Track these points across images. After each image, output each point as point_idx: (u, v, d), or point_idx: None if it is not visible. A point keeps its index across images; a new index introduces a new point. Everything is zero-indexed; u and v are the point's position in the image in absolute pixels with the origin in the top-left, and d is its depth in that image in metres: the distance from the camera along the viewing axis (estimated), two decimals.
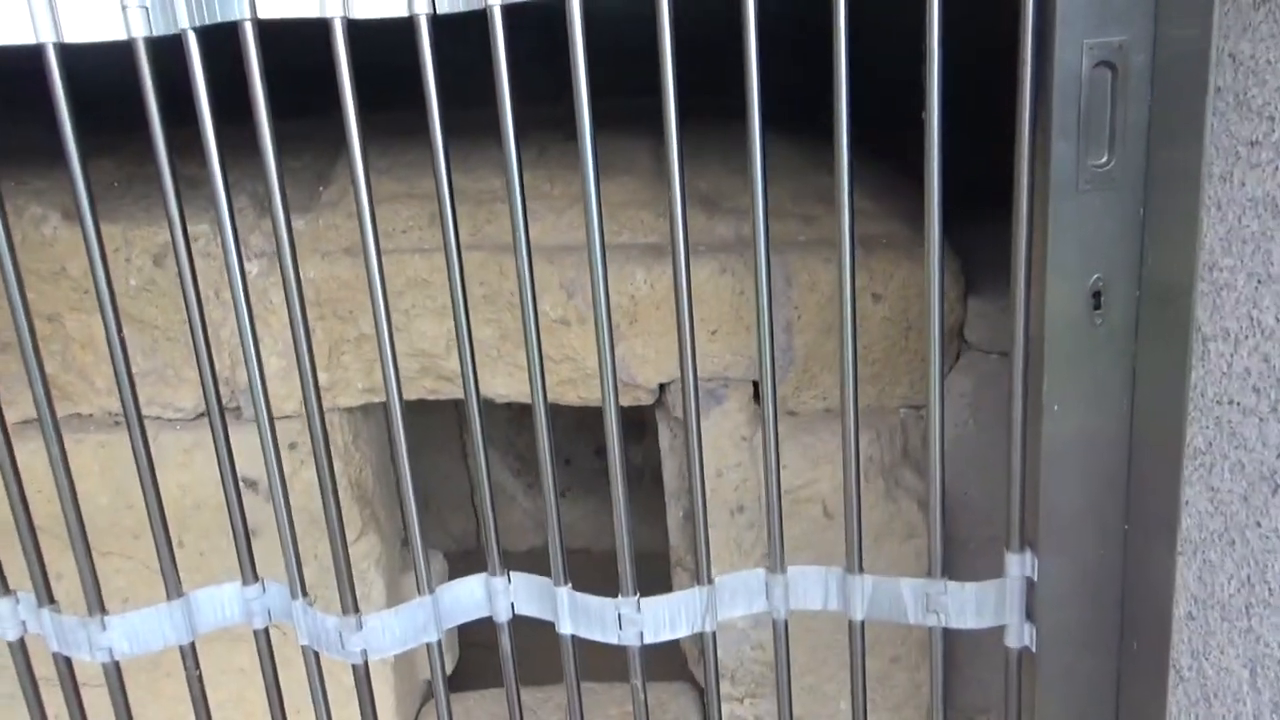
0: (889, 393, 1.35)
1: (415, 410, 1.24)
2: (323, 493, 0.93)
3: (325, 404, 1.43)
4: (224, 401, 1.39)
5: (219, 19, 0.78)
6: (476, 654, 1.63)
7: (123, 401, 0.94)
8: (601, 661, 1.14)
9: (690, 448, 0.92)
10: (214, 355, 1.41)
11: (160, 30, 0.79)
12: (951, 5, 0.76)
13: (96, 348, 1.45)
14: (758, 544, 1.41)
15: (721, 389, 1.34)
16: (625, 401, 1.38)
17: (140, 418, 0.95)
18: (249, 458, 1.06)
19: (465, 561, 1.32)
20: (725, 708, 1.50)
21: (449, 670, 1.72)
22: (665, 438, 1.47)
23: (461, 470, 2.29)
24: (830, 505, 1.33)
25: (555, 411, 1.51)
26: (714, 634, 0.96)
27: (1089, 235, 0.79)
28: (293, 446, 1.45)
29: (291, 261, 0.87)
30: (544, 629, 0.97)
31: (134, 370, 1.49)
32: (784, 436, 1.36)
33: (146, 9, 0.78)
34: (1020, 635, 0.91)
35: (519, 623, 0.98)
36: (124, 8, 0.78)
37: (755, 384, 1.34)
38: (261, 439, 0.94)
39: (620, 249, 1.33)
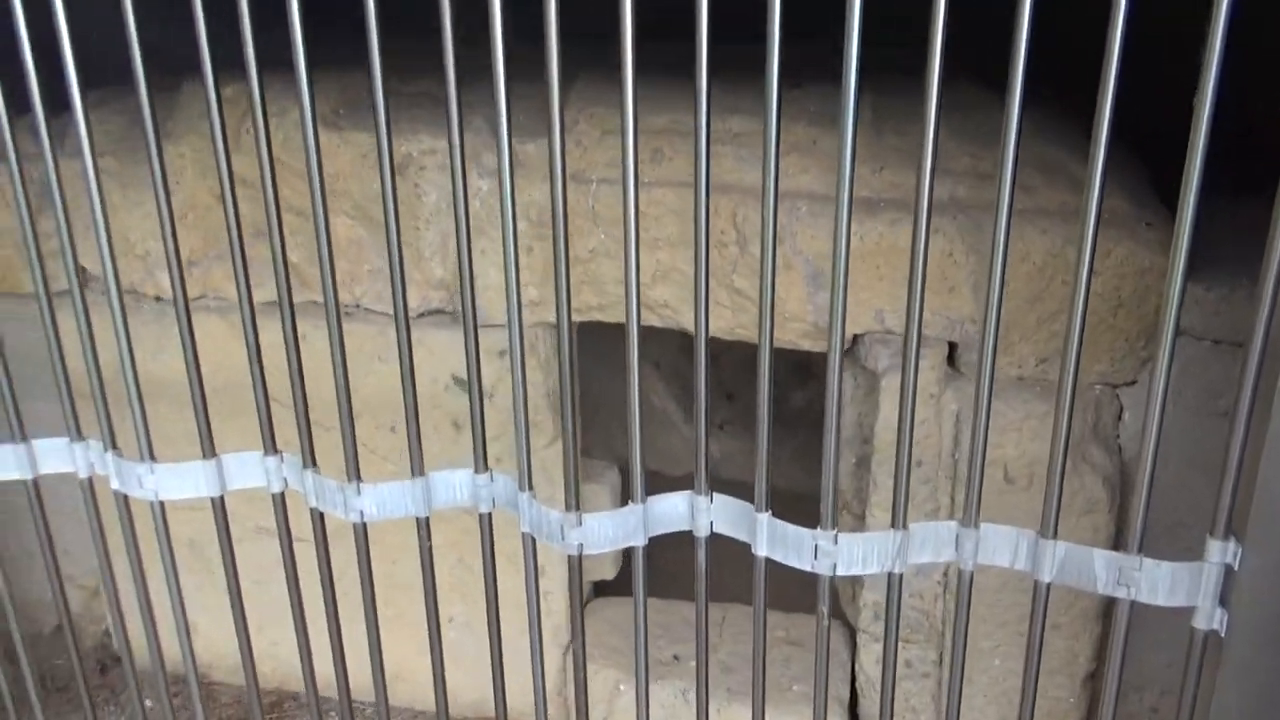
0: (1087, 369, 1.35)
1: (616, 332, 1.33)
2: (562, 400, 1.03)
3: (536, 318, 1.55)
4: (452, 305, 1.52)
5: None
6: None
7: (323, 295, 1.05)
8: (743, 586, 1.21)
9: (905, 399, 0.96)
10: (441, 261, 1.54)
11: None
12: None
13: (339, 244, 1.60)
14: (929, 499, 1.45)
15: (920, 342, 1.37)
16: (818, 348, 1.43)
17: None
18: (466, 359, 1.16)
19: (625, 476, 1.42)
20: (875, 648, 1.57)
21: (609, 576, 1.85)
22: (849, 386, 1.52)
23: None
24: (1011, 470, 1.36)
25: (726, 348, 1.57)
26: (900, 576, 1.02)
27: None
28: (501, 354, 1.57)
29: (510, 184, 0.95)
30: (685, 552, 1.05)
31: (368, 267, 1.64)
32: (973, 400, 1.39)
33: None
34: (1211, 619, 0.93)
35: (665, 541, 1.06)
36: None
37: (951, 344, 1.37)
38: (466, 346, 1.04)
39: (829, 200, 1.36)
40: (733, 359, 2.29)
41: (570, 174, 1.48)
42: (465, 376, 1.08)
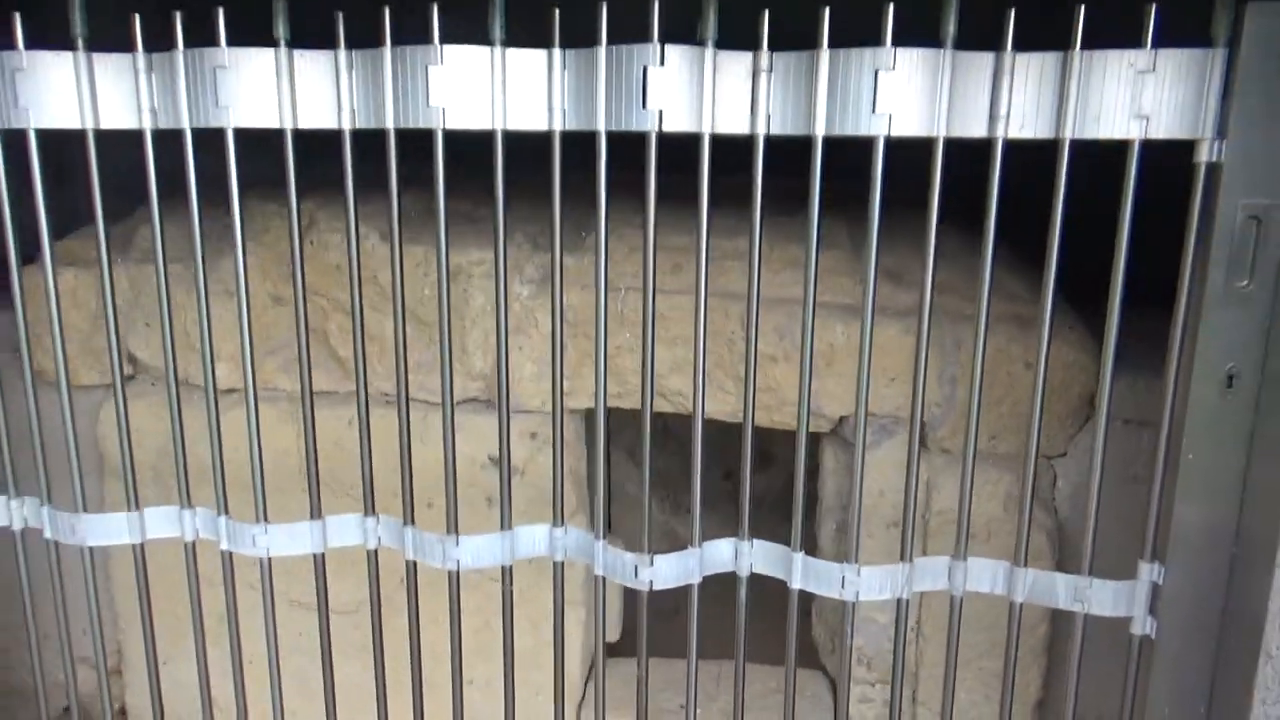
0: (1053, 439, 1.66)
1: (631, 416, 1.59)
2: (591, 471, 1.27)
3: (566, 405, 1.79)
4: (488, 395, 1.74)
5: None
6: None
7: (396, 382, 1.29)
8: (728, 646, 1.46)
9: (911, 464, 1.24)
10: (482, 356, 1.78)
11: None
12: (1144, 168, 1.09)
13: (384, 340, 1.82)
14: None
15: (893, 425, 1.67)
16: (815, 426, 1.71)
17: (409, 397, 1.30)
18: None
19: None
20: (857, 689, 1.81)
21: (614, 639, 2.05)
22: (830, 460, 1.80)
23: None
24: (974, 528, 1.64)
25: (727, 430, 1.83)
26: (908, 601, 1.28)
27: (1228, 336, 1.12)
28: (533, 435, 1.80)
29: (559, 288, 1.22)
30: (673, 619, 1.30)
31: (411, 360, 1.86)
32: (939, 469, 1.69)
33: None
34: (1143, 625, 1.21)
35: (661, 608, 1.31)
36: (441, 110, 1.15)
37: (923, 424, 1.67)
38: (500, 427, 1.28)
39: (823, 306, 1.67)
40: (729, 441, 2.56)
41: (582, 283, 1.76)
42: (496, 455, 1.31)
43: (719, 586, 1.36)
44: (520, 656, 1.40)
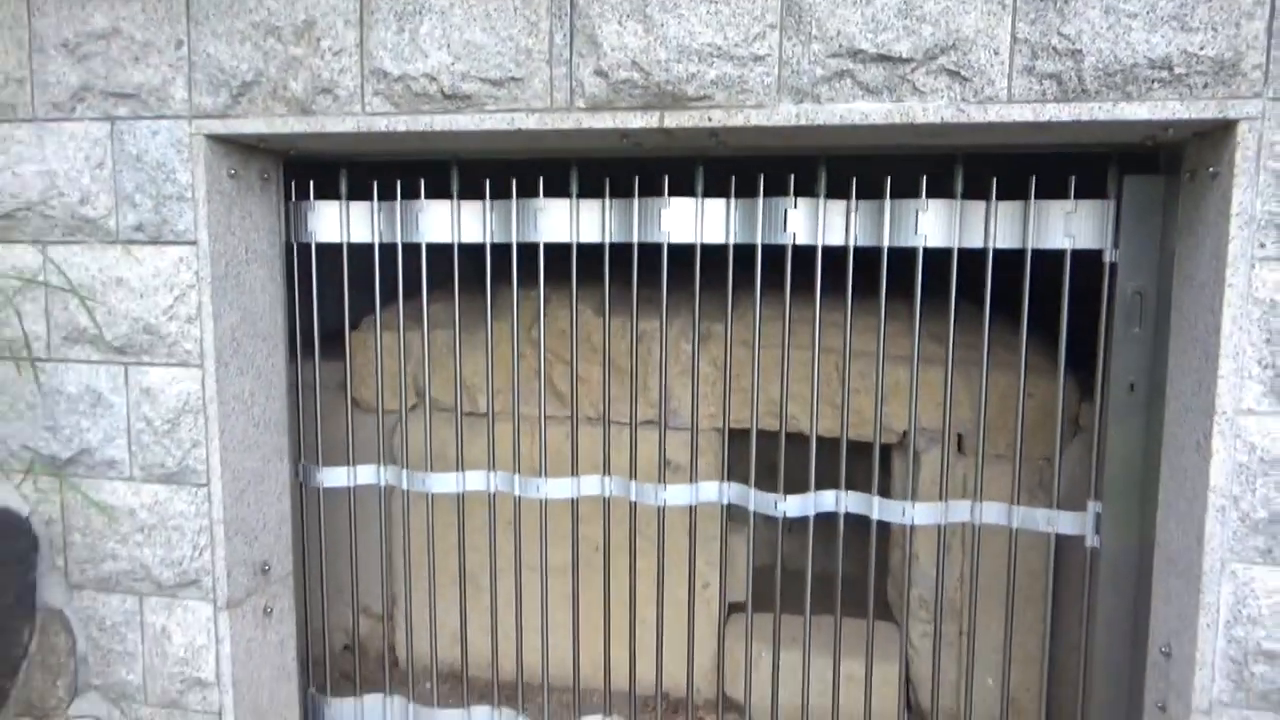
0: (1038, 447, 2.44)
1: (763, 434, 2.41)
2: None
3: (710, 425, 2.63)
4: (658, 417, 2.58)
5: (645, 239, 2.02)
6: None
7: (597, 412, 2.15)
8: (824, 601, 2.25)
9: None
10: (657, 390, 2.62)
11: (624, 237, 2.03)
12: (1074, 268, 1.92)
13: (590, 383, 2.69)
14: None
15: (938, 435, 2.47)
16: (885, 439, 2.51)
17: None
18: (673, 449, 2.24)
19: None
20: (918, 627, 2.55)
21: (742, 598, 2.82)
22: (899, 462, 2.60)
23: None
24: (990, 494, 2.41)
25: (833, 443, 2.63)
26: (945, 527, 2.06)
27: (1130, 357, 1.91)
28: (685, 444, 2.64)
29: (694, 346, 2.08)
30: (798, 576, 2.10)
31: (612, 394, 2.73)
32: (971, 467, 2.47)
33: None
34: (1091, 540, 1.98)
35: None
36: (666, 232, 2.03)
37: (959, 435, 2.46)
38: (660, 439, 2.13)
39: (889, 357, 2.50)
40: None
41: (740, 341, 2.62)
42: (661, 459, 2.15)
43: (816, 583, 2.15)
44: (675, 606, 2.19)
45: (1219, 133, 1.62)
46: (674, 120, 1.74)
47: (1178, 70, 1.56)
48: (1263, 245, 1.57)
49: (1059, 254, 1.95)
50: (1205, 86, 1.56)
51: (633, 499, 2.21)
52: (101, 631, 2.12)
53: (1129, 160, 1.91)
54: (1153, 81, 1.57)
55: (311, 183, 2.22)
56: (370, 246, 2.23)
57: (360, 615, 2.87)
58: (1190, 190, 1.75)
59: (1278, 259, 1.57)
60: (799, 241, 2.03)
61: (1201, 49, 1.55)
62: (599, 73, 1.74)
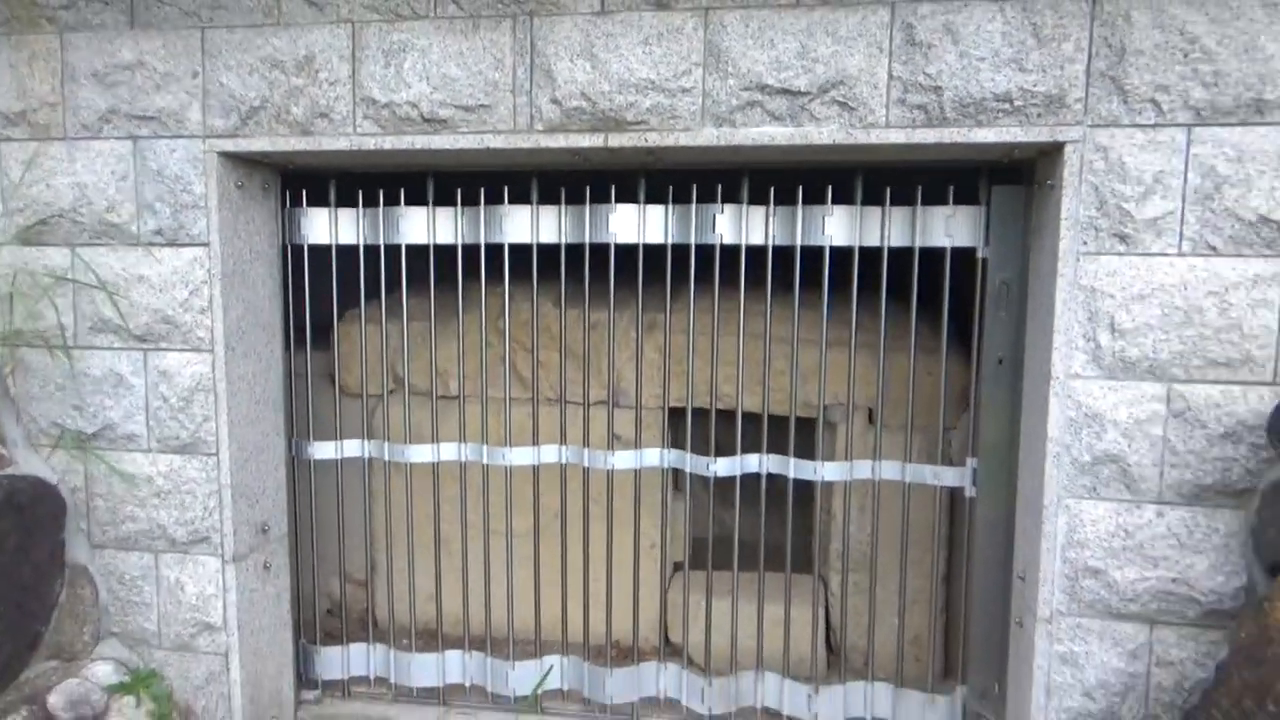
0: (929, 418, 2.83)
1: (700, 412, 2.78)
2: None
3: (656, 404, 2.99)
4: (593, 397, 2.92)
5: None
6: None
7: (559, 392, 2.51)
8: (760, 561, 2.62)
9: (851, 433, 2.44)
10: (610, 373, 2.97)
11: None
12: (957, 266, 2.31)
13: (549, 367, 3.04)
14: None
15: (848, 411, 2.85)
16: (807, 414, 2.89)
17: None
18: (622, 425, 2.60)
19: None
20: (835, 576, 2.93)
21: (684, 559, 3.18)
22: (814, 433, 2.98)
23: None
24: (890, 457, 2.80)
25: (752, 417, 3.00)
26: (851, 483, 2.44)
27: (999, 336, 2.30)
28: (631, 421, 3.00)
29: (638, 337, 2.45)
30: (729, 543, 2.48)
31: (567, 378, 3.09)
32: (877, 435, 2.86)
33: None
34: (970, 491, 2.37)
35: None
36: (614, 234, 2.40)
37: (870, 409, 2.85)
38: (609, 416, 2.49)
39: (803, 341, 2.88)
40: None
41: (678, 329, 2.98)
42: (609, 433, 2.51)
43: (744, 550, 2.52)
44: (624, 564, 2.55)
45: (1054, 153, 2.02)
46: (616, 141, 2.10)
47: (1017, 103, 1.95)
48: (1085, 243, 1.97)
49: (941, 251, 2.34)
50: (1039, 116, 1.96)
51: (586, 465, 2.56)
52: (121, 585, 2.43)
53: (998, 173, 2.31)
54: (998, 111, 1.96)
55: (304, 192, 2.55)
56: (356, 248, 2.56)
57: (347, 574, 3.18)
58: (1038, 198, 2.14)
59: (1095, 254, 1.96)
60: (726, 241, 2.40)
61: (1035, 86, 1.94)
62: (554, 101, 2.10)
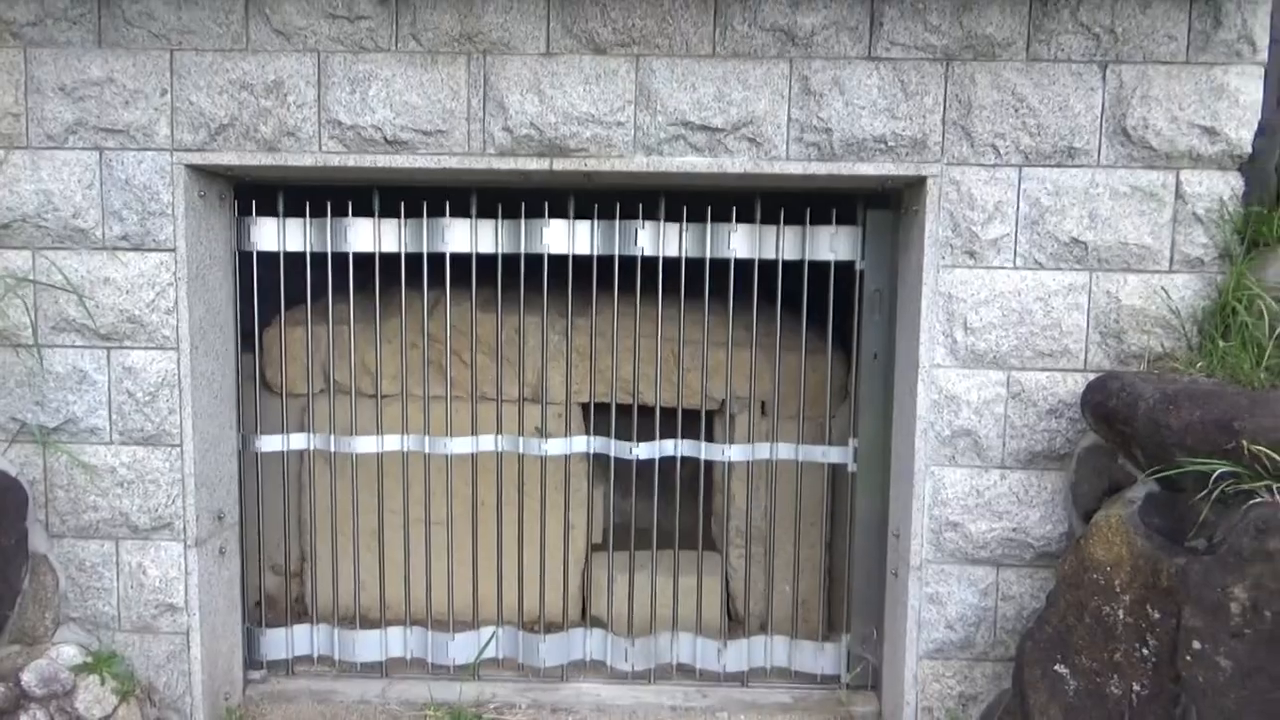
0: (816, 408, 3.27)
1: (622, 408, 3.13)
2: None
3: (578, 399, 3.33)
4: (524, 394, 3.24)
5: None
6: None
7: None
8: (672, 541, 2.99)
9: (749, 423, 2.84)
10: (532, 372, 3.30)
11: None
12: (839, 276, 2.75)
13: (484, 367, 3.32)
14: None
15: (748, 403, 3.26)
16: (713, 407, 3.28)
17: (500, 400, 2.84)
18: (549, 420, 2.94)
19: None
20: (736, 551, 3.33)
21: (599, 541, 3.52)
22: (717, 422, 3.38)
23: None
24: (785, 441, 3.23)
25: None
26: (752, 464, 2.84)
27: (874, 335, 2.76)
28: (558, 416, 3.32)
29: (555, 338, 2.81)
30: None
31: (490, 376, 3.38)
32: (770, 424, 3.28)
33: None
34: (851, 466, 2.81)
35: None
36: (547, 245, 2.74)
37: (763, 402, 3.27)
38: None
39: (712, 343, 3.27)
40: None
41: (600, 333, 3.32)
42: (541, 426, 2.84)
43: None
44: (550, 542, 2.87)
45: (918, 184, 2.48)
46: (560, 165, 2.43)
47: (890, 144, 2.40)
48: (943, 258, 2.43)
49: (827, 264, 2.78)
50: (907, 154, 2.41)
51: (521, 451, 2.86)
52: (81, 572, 2.55)
53: (873, 199, 2.76)
54: (876, 150, 2.41)
55: (254, 202, 2.75)
56: (303, 255, 2.78)
57: (288, 559, 3.34)
58: (905, 221, 2.61)
59: (951, 266, 2.44)
60: (646, 253, 2.76)
61: (904, 131, 2.40)
62: (506, 129, 2.41)
